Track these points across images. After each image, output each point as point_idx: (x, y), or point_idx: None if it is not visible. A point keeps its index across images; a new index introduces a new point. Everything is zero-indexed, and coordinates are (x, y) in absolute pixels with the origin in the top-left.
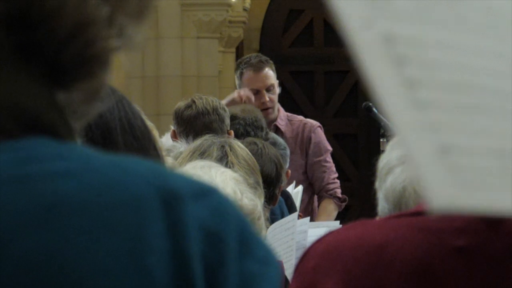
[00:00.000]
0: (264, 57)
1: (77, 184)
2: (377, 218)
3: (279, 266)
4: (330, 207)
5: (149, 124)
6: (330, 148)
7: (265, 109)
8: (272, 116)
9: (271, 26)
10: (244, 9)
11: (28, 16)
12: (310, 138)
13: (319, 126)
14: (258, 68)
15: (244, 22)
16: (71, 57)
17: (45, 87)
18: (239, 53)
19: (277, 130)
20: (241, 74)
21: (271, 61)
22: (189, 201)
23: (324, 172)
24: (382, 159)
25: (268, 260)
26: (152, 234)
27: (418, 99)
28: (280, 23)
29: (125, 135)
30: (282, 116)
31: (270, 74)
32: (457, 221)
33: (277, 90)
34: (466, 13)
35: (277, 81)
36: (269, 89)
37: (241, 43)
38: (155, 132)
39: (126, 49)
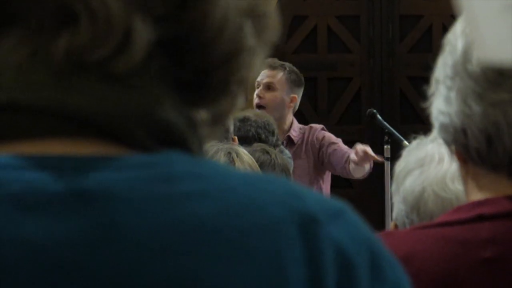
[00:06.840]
0: (288, 64)
1: (214, 206)
2: (392, 222)
3: None
4: None
5: None
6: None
7: (257, 106)
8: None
9: None
10: None
11: (187, 43)
12: (319, 137)
13: (323, 128)
14: (272, 67)
15: None
16: (216, 82)
17: (181, 102)
18: None
19: (290, 141)
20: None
21: (292, 71)
22: (325, 224)
23: (346, 151)
24: (399, 164)
25: (400, 284)
26: (290, 262)
27: None
28: (284, 29)
29: None
30: (295, 128)
31: (278, 76)
32: (484, 232)
33: (283, 96)
34: None
35: (290, 93)
36: (269, 86)
37: None
38: None
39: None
